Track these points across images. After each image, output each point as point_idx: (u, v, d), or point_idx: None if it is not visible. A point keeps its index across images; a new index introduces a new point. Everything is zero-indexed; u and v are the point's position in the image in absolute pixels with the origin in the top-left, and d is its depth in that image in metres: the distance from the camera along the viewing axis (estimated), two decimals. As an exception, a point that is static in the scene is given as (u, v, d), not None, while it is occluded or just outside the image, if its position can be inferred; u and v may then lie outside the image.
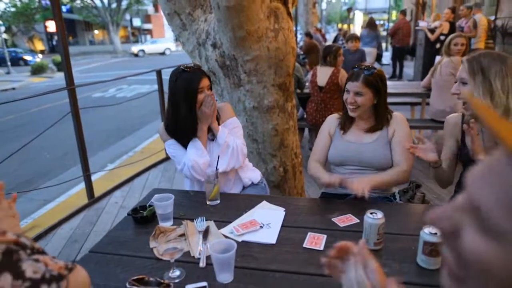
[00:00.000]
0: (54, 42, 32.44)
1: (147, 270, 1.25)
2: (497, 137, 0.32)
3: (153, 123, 7.20)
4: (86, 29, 36.55)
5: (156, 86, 4.74)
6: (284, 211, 1.61)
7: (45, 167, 5.14)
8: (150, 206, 1.60)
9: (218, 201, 1.71)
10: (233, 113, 2.04)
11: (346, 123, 1.90)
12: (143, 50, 28.85)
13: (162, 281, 1.15)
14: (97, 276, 1.23)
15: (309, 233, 1.41)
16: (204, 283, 1.14)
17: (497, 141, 1.39)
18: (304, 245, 1.35)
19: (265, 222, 1.50)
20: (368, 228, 1.29)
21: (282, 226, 1.49)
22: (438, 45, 6.95)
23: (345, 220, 1.51)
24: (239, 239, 1.39)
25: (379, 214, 1.29)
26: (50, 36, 32.64)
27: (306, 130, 4.91)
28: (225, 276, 1.16)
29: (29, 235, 2.38)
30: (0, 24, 22.00)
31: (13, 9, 26.04)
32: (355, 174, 1.83)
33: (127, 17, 35.72)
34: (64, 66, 3.19)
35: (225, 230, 1.47)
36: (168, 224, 1.50)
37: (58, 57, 19.04)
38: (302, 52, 7.36)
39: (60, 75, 16.96)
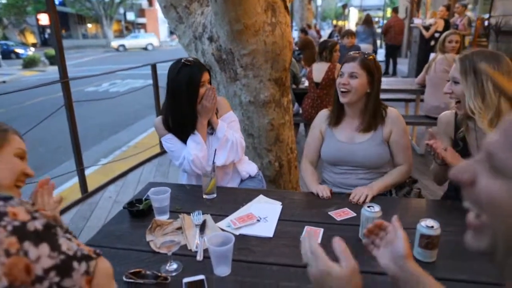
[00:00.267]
0: (46, 35, 32.01)
1: (144, 264, 1.24)
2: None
3: (147, 118, 7.16)
4: (79, 23, 36.13)
5: (150, 81, 4.70)
6: (281, 204, 1.61)
7: (38, 161, 5.08)
8: (146, 199, 1.59)
9: (215, 195, 1.71)
10: (230, 107, 2.03)
11: (335, 117, 1.83)
12: (123, 45, 28.12)
13: (159, 274, 1.15)
14: (93, 269, 1.22)
15: (306, 227, 1.42)
16: (202, 276, 1.14)
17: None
18: (301, 239, 1.35)
19: (262, 216, 1.50)
20: (365, 222, 1.29)
21: (279, 219, 1.49)
22: (432, 42, 6.98)
23: (341, 214, 1.51)
24: (236, 233, 1.39)
25: (376, 208, 1.29)
26: (42, 29, 32.19)
27: (302, 125, 4.91)
28: (222, 269, 1.16)
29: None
30: (-9, 16, 21.66)
31: (4, 1, 25.61)
32: (349, 174, 1.81)
33: (121, 10, 35.35)
34: (58, 58, 3.15)
35: (222, 224, 1.46)
36: (164, 218, 1.49)
37: (50, 51, 18.80)
38: (297, 48, 7.35)
39: (53, 69, 16.77)
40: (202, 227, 1.41)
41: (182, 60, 1.78)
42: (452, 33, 4.09)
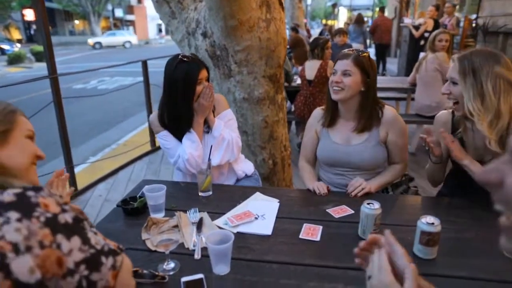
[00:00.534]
0: (32, 31, 31.37)
1: (140, 263, 1.21)
2: None
3: (136, 115, 7.07)
4: (66, 19, 35.51)
5: (139, 78, 4.63)
6: (278, 202, 1.59)
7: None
8: (140, 197, 1.55)
9: (211, 192, 1.68)
10: (228, 105, 1.98)
11: (330, 117, 1.78)
12: (99, 43, 27.52)
13: (156, 273, 1.12)
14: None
15: (304, 224, 1.40)
16: (201, 275, 1.11)
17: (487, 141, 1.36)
18: (300, 236, 1.33)
19: (259, 213, 1.48)
20: (365, 219, 1.28)
21: (277, 217, 1.47)
22: (422, 42, 7.04)
23: (339, 211, 1.50)
24: (234, 231, 1.36)
25: (376, 205, 1.28)
26: (27, 24, 31.54)
27: (293, 123, 4.91)
28: (221, 268, 1.14)
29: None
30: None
31: (-13, -4, 25.05)
32: (345, 175, 1.78)
33: (109, 7, 34.85)
34: (46, 54, 3.07)
35: (219, 222, 1.44)
36: (160, 216, 1.46)
37: (36, 47, 18.42)
38: (288, 46, 7.34)
39: (39, 65, 16.44)
40: (199, 225, 1.38)
41: (179, 56, 1.73)
42: (442, 32, 4.13)
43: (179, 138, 1.81)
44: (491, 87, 1.38)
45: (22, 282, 0.61)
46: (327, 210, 1.51)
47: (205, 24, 2.41)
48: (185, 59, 1.72)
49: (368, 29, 9.57)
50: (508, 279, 1.12)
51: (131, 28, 38.16)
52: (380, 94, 1.87)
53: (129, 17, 38.87)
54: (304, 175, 1.84)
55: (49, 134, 3.90)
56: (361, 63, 1.66)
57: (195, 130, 1.80)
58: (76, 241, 0.69)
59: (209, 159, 1.73)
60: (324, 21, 28.69)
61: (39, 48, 17.69)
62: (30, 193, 0.69)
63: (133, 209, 1.51)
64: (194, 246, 1.28)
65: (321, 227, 1.38)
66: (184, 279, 1.11)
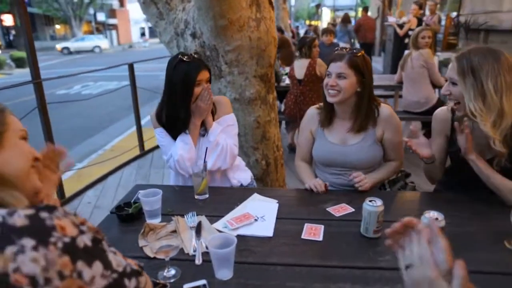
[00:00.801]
0: (11, 37, 30.62)
1: (139, 270, 1.16)
2: None
3: (123, 120, 6.95)
4: (46, 24, 34.83)
5: (124, 82, 4.56)
6: (277, 202, 1.56)
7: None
8: (135, 202, 1.50)
9: (207, 195, 1.64)
10: (231, 108, 1.90)
11: (326, 118, 1.76)
12: (67, 48, 26.73)
13: (157, 281, 1.07)
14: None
15: (306, 224, 1.37)
16: (204, 281, 1.08)
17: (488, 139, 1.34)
18: (302, 237, 1.31)
19: (259, 215, 1.44)
20: (368, 216, 1.26)
21: (277, 218, 1.44)
22: (407, 40, 7.13)
23: (340, 209, 1.48)
24: (234, 233, 1.32)
25: (378, 202, 1.27)
26: (6, 30, 30.78)
27: (283, 123, 4.89)
28: (224, 273, 1.10)
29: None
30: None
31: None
32: (341, 175, 1.76)
33: (91, 11, 34.32)
34: (30, 58, 2.98)
35: (218, 225, 1.40)
36: (156, 221, 1.42)
37: (17, 53, 17.98)
38: (275, 47, 7.35)
39: (20, 71, 16.06)
40: (198, 229, 1.34)
41: (179, 55, 1.69)
42: (424, 29, 4.19)
43: (175, 137, 1.77)
44: (492, 86, 1.33)
45: None
46: (327, 209, 1.49)
47: (194, 25, 2.37)
48: (185, 58, 1.67)
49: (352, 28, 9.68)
50: (512, 272, 1.12)
51: (113, 32, 37.67)
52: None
53: (112, 21, 38.35)
54: (302, 174, 1.82)
55: (32, 141, 3.79)
56: (355, 64, 1.63)
57: (191, 132, 1.76)
58: (97, 266, 0.62)
59: (205, 161, 1.69)
60: (308, 22, 28.89)
61: (20, 54, 17.28)
62: (44, 215, 0.61)
63: (128, 215, 1.46)
64: (194, 251, 1.24)
65: (322, 226, 1.36)
66: (186, 286, 1.07)
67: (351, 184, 1.73)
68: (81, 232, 0.62)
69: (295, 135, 4.37)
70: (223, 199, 1.62)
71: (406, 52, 4.54)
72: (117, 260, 0.67)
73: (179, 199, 1.67)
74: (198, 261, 1.19)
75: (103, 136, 6.17)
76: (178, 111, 1.72)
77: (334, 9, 25.19)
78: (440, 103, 4.11)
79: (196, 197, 1.63)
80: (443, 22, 8.69)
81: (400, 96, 4.58)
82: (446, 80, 1.50)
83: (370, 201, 1.28)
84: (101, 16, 37.01)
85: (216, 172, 1.85)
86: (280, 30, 8.28)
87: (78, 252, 0.60)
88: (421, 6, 7.63)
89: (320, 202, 1.55)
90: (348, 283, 1.08)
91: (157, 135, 1.82)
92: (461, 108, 1.44)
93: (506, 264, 1.15)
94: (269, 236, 1.32)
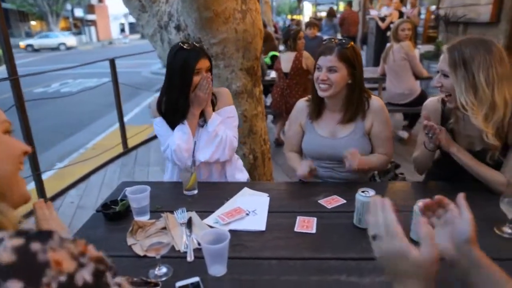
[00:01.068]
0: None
1: (128, 270, 1.12)
2: None
3: (104, 117, 6.80)
4: (21, 20, 33.67)
5: (104, 79, 4.45)
6: (268, 196, 1.54)
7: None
8: (122, 200, 1.45)
9: (196, 191, 1.60)
10: (231, 100, 1.86)
11: (315, 111, 1.74)
12: (31, 45, 26.03)
13: (148, 280, 1.04)
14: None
15: (298, 217, 1.36)
16: (197, 278, 1.05)
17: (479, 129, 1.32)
18: (295, 230, 1.29)
19: (250, 209, 1.42)
20: (361, 207, 1.25)
21: (269, 211, 1.42)
22: (388, 33, 7.20)
23: (331, 201, 1.47)
24: (226, 228, 1.30)
25: (371, 192, 1.26)
26: (-22, 27, 29.63)
27: (269, 117, 4.87)
28: (218, 269, 1.07)
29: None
30: None
31: None
32: (332, 168, 1.74)
33: (68, 7, 33.40)
34: (5, 54, 2.86)
35: (209, 220, 1.37)
36: (145, 219, 1.37)
37: (-10, 50, 17.32)
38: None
39: (-6, 69, 15.50)
40: (189, 225, 1.31)
41: (180, 43, 1.64)
42: (404, 22, 4.24)
43: (173, 127, 1.72)
44: (483, 79, 1.31)
45: None
46: (319, 201, 1.48)
47: (178, 17, 2.31)
48: (185, 46, 1.62)
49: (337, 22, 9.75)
50: (504, 257, 1.13)
51: (92, 28, 36.79)
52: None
53: (90, 16, 37.45)
54: (294, 163, 1.78)
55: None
56: (345, 56, 1.60)
57: (189, 122, 1.70)
58: None
59: (193, 156, 1.65)
60: (290, 16, 28.88)
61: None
62: (36, 247, 0.48)
63: (115, 214, 1.41)
64: (185, 248, 1.21)
65: (315, 218, 1.35)
66: (178, 283, 1.04)
67: (341, 177, 1.73)
68: (81, 266, 0.50)
69: (281, 130, 4.34)
70: (212, 194, 1.59)
71: (388, 45, 4.58)
72: None
73: (167, 195, 1.63)
74: (190, 258, 1.16)
75: (84, 134, 6.02)
76: (177, 100, 1.67)
77: (316, 3, 25.25)
78: (424, 94, 4.17)
79: (185, 192, 1.59)
80: (422, 16, 8.82)
81: (384, 88, 4.62)
82: (436, 75, 1.48)
83: (362, 191, 1.27)
84: (79, 12, 36.09)
85: (214, 165, 1.81)
86: (263, 24, 8.27)
87: None
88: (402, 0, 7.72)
89: (311, 195, 1.54)
90: (343, 274, 1.07)
91: (155, 125, 1.77)
92: (452, 100, 1.43)
93: (497, 250, 1.16)
94: (261, 230, 1.30)
